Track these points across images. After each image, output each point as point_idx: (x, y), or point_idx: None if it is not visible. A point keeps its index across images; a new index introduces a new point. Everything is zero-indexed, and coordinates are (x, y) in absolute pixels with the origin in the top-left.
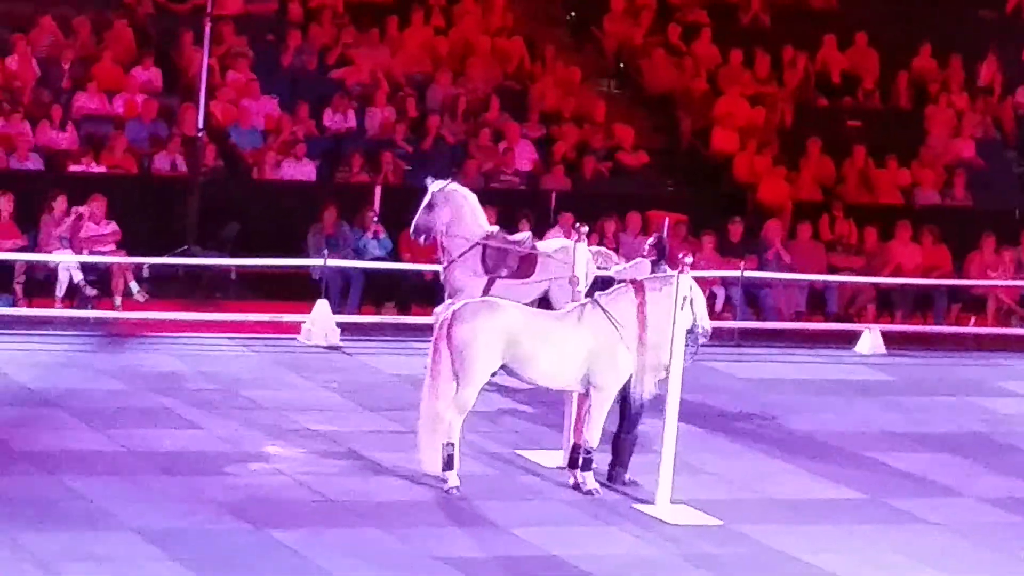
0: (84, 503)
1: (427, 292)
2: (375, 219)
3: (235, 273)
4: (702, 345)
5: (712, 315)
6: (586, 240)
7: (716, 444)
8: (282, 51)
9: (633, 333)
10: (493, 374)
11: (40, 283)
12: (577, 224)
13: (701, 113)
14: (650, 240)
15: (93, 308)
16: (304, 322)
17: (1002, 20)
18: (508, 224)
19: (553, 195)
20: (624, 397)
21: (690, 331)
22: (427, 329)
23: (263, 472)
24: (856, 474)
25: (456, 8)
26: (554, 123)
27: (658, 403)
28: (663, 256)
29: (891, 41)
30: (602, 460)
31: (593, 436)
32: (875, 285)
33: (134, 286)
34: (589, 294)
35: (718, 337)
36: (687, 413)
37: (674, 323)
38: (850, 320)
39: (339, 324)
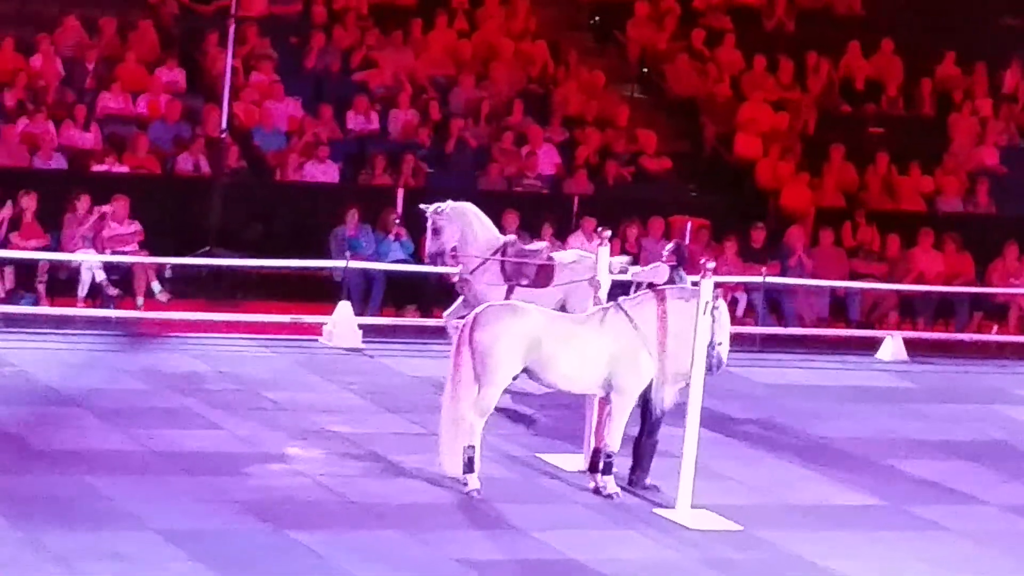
0: (106, 503)
1: (449, 295)
2: (397, 221)
3: (257, 274)
4: (715, 372)
5: (734, 320)
6: (608, 245)
7: (736, 449)
8: (306, 53)
9: (655, 339)
10: (515, 377)
11: (63, 283)
12: (599, 229)
13: (724, 118)
14: (669, 245)
15: (115, 308)
16: (326, 324)
17: None
18: (531, 229)
19: (576, 199)
20: (645, 402)
21: (707, 349)
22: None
23: (284, 473)
24: (877, 481)
25: (480, 11)
26: (577, 127)
27: (679, 408)
28: (683, 262)
29: (915, 48)
30: (623, 464)
31: (614, 440)
32: (897, 292)
33: (156, 286)
34: (612, 299)
35: (740, 343)
36: (708, 418)
37: (696, 330)
38: (872, 327)
39: (361, 326)
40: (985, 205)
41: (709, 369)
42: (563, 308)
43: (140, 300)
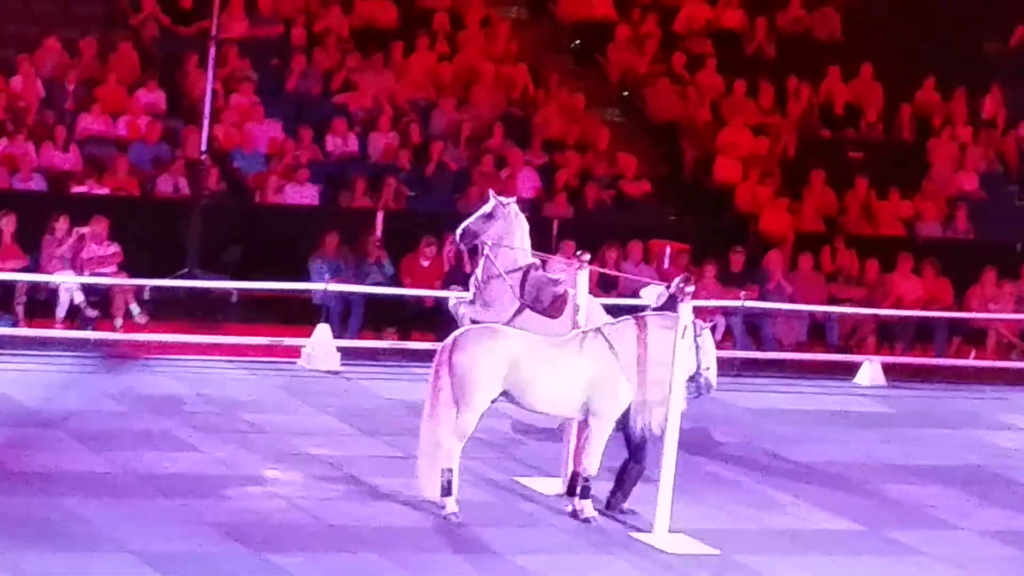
0: (84, 525)
1: (428, 318)
2: (377, 244)
3: (236, 296)
4: (704, 395)
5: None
6: (587, 268)
7: (715, 473)
8: (286, 75)
9: (634, 364)
10: (493, 400)
11: (41, 304)
12: (579, 252)
13: (704, 142)
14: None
15: (94, 329)
16: (305, 346)
17: (1006, 54)
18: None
19: (555, 223)
20: (625, 427)
21: (693, 378)
22: (427, 355)
23: (262, 496)
24: (855, 505)
25: (460, 35)
26: (557, 150)
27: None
28: (671, 308)
29: (895, 73)
30: (601, 488)
31: (592, 464)
32: (876, 317)
33: (135, 308)
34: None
35: (718, 366)
36: (686, 442)
37: (674, 353)
38: (850, 351)
39: (339, 349)
40: (964, 230)
41: (698, 394)
42: None
43: (119, 322)
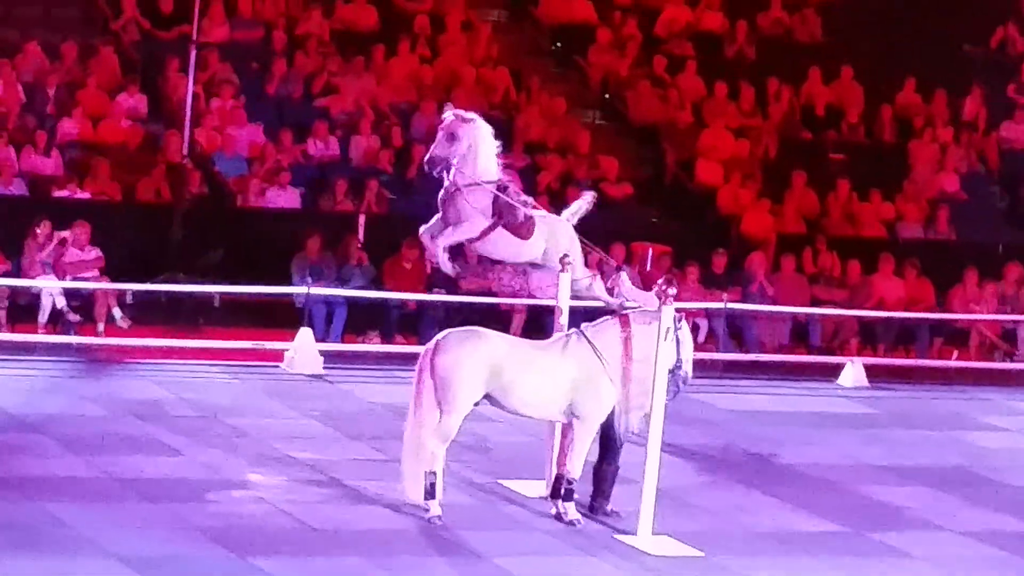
0: (66, 529)
1: (410, 321)
2: (359, 247)
3: (219, 300)
4: (682, 389)
5: (695, 347)
6: (570, 271)
7: (698, 476)
8: (267, 79)
9: (618, 365)
10: (476, 403)
11: (23, 309)
12: (563, 256)
13: (686, 145)
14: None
15: (76, 334)
16: (287, 350)
17: (986, 55)
18: None
19: None
20: (606, 428)
21: (672, 371)
22: (410, 358)
23: (245, 500)
24: (838, 507)
25: (441, 38)
26: (538, 153)
27: (642, 435)
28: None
29: (876, 75)
30: (585, 491)
31: (575, 467)
32: (858, 318)
33: (117, 312)
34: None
35: (701, 369)
36: (669, 444)
37: (657, 355)
38: (833, 353)
39: (322, 352)
40: (945, 231)
41: (677, 388)
42: (534, 265)
43: (101, 326)
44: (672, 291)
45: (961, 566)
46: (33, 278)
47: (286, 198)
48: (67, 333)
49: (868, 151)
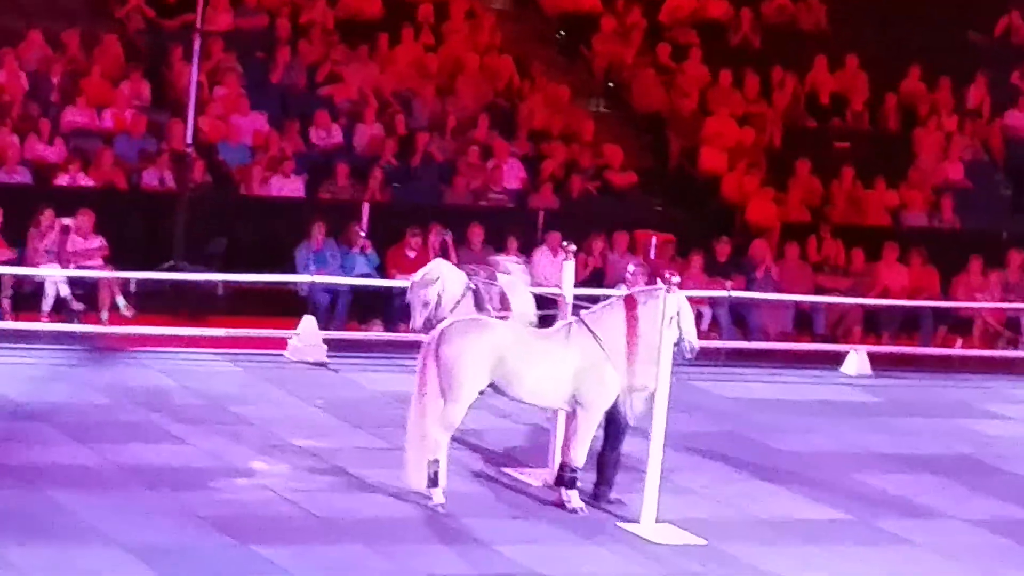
0: (71, 518)
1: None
2: (362, 235)
3: (222, 289)
4: (687, 362)
5: (699, 335)
6: (573, 259)
7: (701, 464)
8: (271, 67)
9: (620, 350)
10: (481, 392)
11: (27, 297)
12: (565, 243)
13: (690, 133)
14: (632, 267)
15: (80, 322)
16: (291, 338)
17: (991, 43)
18: (496, 243)
19: (541, 214)
20: (611, 414)
21: (675, 343)
22: (414, 346)
23: (249, 488)
24: (842, 495)
25: (445, 26)
26: (543, 141)
27: (644, 422)
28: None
29: (880, 63)
30: (588, 479)
31: (579, 455)
32: (862, 306)
33: (121, 301)
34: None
35: (705, 357)
36: (673, 432)
37: (660, 342)
38: (837, 341)
39: (326, 340)
40: (950, 220)
41: (682, 358)
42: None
43: (105, 315)
44: (676, 279)
45: (966, 554)
46: (37, 266)
47: (290, 186)
48: (71, 321)
49: (872, 139)
